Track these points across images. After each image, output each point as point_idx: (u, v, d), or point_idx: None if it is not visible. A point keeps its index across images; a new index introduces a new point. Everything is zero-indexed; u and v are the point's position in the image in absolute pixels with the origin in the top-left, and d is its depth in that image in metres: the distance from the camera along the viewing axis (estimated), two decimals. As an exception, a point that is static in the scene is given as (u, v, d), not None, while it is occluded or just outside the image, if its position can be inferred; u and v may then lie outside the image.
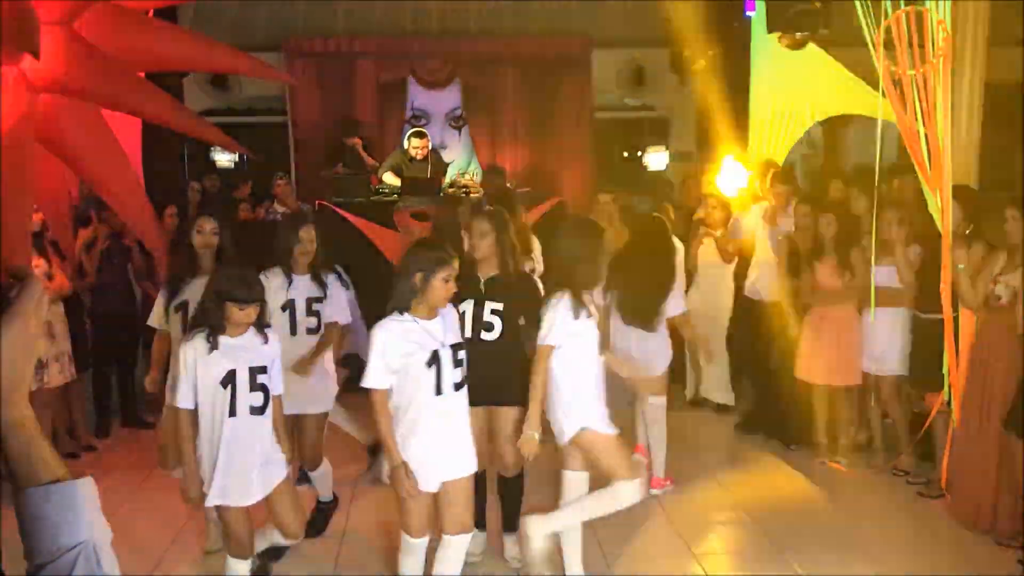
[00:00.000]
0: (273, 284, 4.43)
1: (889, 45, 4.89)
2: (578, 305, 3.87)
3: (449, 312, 3.65)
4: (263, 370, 3.68)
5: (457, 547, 3.68)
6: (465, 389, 3.65)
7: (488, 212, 4.48)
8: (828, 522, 4.21)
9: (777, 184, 6.53)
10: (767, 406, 6.47)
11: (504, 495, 4.50)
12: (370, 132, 10.02)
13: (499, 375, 4.24)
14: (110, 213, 6.44)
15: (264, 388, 3.67)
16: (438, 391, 3.53)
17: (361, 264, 6.30)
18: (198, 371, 3.60)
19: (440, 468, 3.59)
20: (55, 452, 1.20)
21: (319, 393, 4.63)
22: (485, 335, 4.23)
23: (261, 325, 3.70)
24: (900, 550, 4.61)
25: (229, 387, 3.60)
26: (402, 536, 3.67)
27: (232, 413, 3.61)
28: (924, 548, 4.71)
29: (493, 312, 4.23)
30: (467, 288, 4.13)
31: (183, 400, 3.64)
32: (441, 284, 3.46)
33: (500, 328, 4.23)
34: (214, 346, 3.60)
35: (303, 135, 10.31)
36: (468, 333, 4.17)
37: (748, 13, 7.44)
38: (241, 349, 3.65)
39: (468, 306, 4.20)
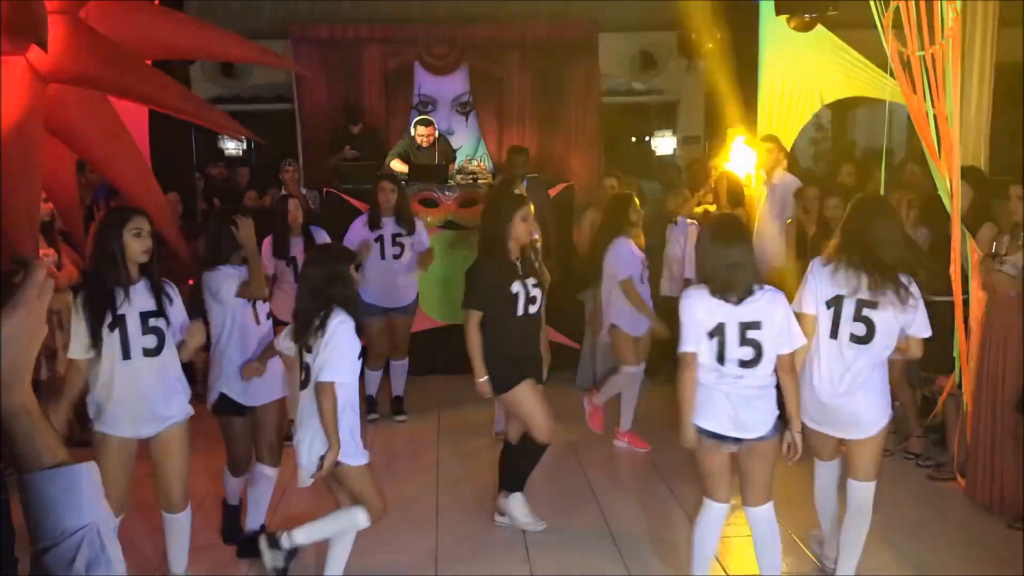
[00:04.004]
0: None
1: (898, 26, 4.86)
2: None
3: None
4: (155, 314, 3.74)
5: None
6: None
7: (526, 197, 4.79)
8: (839, 506, 4.22)
9: (764, 143, 6.71)
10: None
11: (528, 457, 4.68)
12: (377, 119, 10.02)
13: (538, 353, 4.64)
14: (117, 200, 6.47)
15: (157, 331, 3.75)
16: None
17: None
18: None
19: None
20: (57, 437, 1.21)
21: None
22: (531, 308, 4.52)
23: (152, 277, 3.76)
24: (911, 533, 4.62)
25: (118, 330, 3.68)
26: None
27: (126, 356, 3.70)
28: (935, 531, 4.71)
29: (535, 286, 4.52)
30: (509, 271, 4.46)
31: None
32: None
33: (540, 300, 4.55)
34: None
35: (310, 122, 10.30)
36: (520, 311, 4.46)
37: (756, -4, 7.40)
38: (134, 293, 3.71)
39: (519, 287, 4.46)
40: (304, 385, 3.78)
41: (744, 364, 3.54)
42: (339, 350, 3.67)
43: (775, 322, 3.55)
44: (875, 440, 3.85)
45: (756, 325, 3.51)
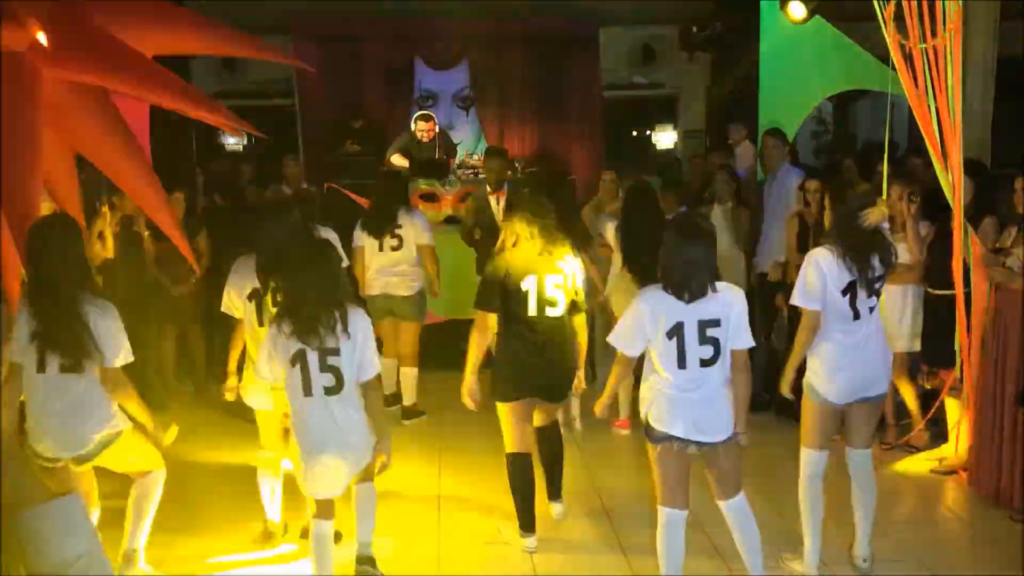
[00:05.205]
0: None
1: (900, 18, 4.85)
2: None
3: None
4: None
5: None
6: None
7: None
8: (841, 499, 4.21)
9: (767, 138, 6.67)
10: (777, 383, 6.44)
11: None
12: (378, 114, 10.01)
13: (565, 370, 4.41)
14: (120, 198, 6.46)
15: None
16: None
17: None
18: None
19: None
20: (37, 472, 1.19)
21: None
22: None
23: None
24: (914, 526, 4.62)
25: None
26: None
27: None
28: (937, 524, 4.71)
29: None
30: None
31: None
32: None
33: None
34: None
35: (311, 117, 10.30)
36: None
37: (757, -11, 7.37)
38: None
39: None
40: (336, 390, 3.61)
41: (704, 363, 3.50)
42: (373, 346, 3.71)
43: (733, 319, 3.52)
44: (882, 402, 4.13)
45: (715, 323, 3.48)
